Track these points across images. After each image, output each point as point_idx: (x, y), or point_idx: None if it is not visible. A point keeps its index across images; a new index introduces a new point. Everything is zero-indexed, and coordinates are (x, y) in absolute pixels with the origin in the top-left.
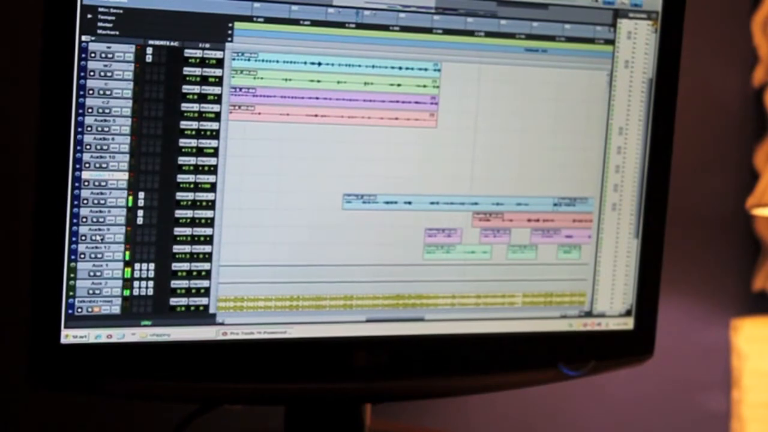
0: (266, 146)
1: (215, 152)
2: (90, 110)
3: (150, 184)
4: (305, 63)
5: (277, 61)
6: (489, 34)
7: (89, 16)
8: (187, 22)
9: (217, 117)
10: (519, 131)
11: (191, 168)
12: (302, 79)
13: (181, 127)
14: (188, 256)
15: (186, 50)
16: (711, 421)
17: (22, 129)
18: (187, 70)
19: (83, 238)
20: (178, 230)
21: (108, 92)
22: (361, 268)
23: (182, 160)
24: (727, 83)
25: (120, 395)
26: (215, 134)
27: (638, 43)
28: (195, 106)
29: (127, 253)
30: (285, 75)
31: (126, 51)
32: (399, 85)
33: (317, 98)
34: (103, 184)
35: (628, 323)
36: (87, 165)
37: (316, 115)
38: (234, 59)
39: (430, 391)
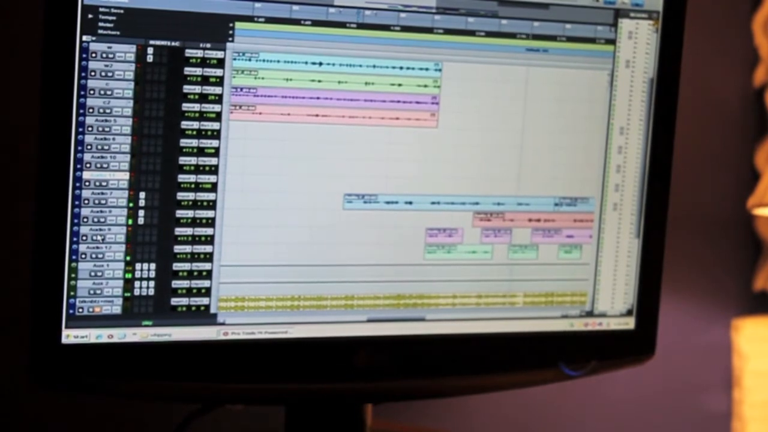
0: (267, 146)
1: (216, 152)
2: (91, 110)
3: (151, 184)
4: (306, 63)
5: (278, 61)
6: (490, 34)
7: (90, 16)
8: (188, 22)
9: (218, 117)
10: (520, 131)
11: (192, 168)
12: (303, 79)
13: (182, 127)
14: (189, 256)
15: (187, 50)
16: (712, 421)
17: (23, 129)
18: (188, 70)
19: (84, 238)
20: (179, 230)
21: (109, 92)
22: (362, 268)
23: (183, 160)
24: (727, 83)
25: (120, 395)
26: (216, 134)
27: (639, 42)
28: (196, 106)
29: (128, 253)
30: (286, 75)
31: (127, 51)
32: (400, 84)
33: (318, 98)
34: (104, 184)
35: (629, 323)
36: (88, 165)
37: (317, 115)
38: (235, 59)
39: (430, 391)
